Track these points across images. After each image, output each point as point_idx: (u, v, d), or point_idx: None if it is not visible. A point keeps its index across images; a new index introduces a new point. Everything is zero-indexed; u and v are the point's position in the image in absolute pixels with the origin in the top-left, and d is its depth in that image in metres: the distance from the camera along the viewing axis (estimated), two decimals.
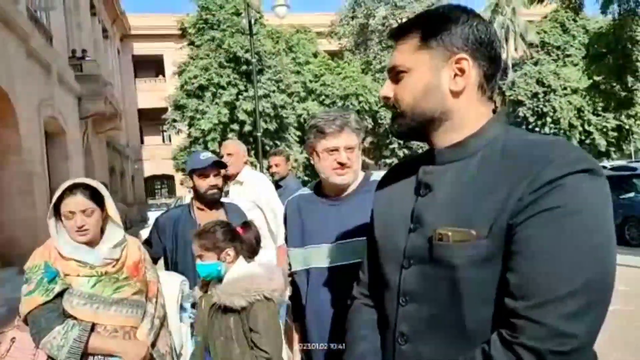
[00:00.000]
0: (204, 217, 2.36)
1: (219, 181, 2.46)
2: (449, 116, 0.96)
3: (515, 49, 29.83)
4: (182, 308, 2.12)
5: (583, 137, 29.67)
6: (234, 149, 3.48)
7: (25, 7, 10.38)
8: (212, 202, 2.47)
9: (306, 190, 1.82)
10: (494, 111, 1.00)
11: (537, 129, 29.26)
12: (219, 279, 1.91)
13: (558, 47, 30.85)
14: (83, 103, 14.55)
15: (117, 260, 1.88)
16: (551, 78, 28.97)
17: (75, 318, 1.78)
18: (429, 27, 0.96)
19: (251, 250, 1.99)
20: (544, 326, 0.79)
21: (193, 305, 2.06)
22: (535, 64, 30.18)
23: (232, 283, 1.84)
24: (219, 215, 2.40)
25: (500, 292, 0.85)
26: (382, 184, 1.17)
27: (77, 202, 1.80)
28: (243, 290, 1.81)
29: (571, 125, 29.11)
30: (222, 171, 2.59)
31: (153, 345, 1.90)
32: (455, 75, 0.94)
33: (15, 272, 8.53)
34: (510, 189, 0.84)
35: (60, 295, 1.78)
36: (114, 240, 1.88)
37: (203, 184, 2.44)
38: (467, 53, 0.94)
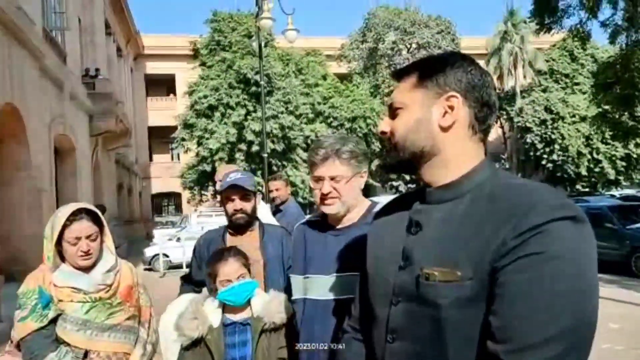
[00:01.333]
0: (234, 242, 2.24)
1: (245, 204, 2.26)
2: (438, 150, 1.00)
3: (524, 76, 30.00)
4: None
5: (592, 165, 29.54)
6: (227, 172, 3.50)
7: (41, 27, 10.65)
8: (238, 227, 2.30)
9: (313, 217, 1.81)
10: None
11: (545, 156, 29.24)
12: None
13: (567, 75, 30.97)
14: (94, 121, 14.76)
15: (110, 285, 1.88)
16: (559, 105, 29.03)
17: (68, 344, 1.78)
18: (425, 69, 1.03)
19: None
20: None
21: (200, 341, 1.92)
22: (544, 91, 30.28)
23: (270, 302, 1.88)
24: (251, 240, 2.28)
25: (483, 334, 0.87)
26: (378, 218, 1.20)
27: (84, 228, 1.82)
28: (281, 307, 1.85)
29: (579, 153, 29.03)
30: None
31: None
32: (445, 112, 0.99)
33: (18, 287, 8.56)
34: (495, 232, 0.86)
35: (54, 321, 1.79)
36: (107, 266, 1.89)
37: (228, 207, 2.28)
38: (459, 93, 0.99)
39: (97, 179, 15.62)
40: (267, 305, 1.86)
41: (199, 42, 23.84)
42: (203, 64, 22.94)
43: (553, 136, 28.86)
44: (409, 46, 28.44)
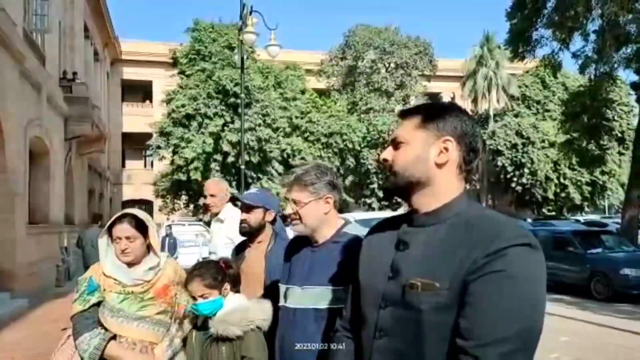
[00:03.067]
0: (248, 249, 2.61)
1: (248, 216, 2.57)
2: (430, 183, 1.20)
3: (498, 100, 30.92)
4: None
5: (558, 190, 30.52)
6: (215, 189, 3.56)
7: (22, 29, 10.54)
8: (245, 235, 2.63)
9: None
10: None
11: (514, 179, 30.05)
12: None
13: (538, 102, 32.07)
14: (70, 124, 14.55)
15: (149, 282, 2.15)
16: (530, 131, 29.99)
17: (104, 327, 2.09)
18: (428, 113, 1.24)
19: (235, 283, 2.18)
20: None
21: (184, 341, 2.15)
22: (516, 116, 31.23)
23: (228, 315, 2.02)
24: (258, 250, 2.56)
25: (453, 333, 1.06)
26: (371, 234, 1.41)
27: (123, 229, 2.12)
28: (238, 320, 2.00)
29: (547, 178, 29.97)
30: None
31: None
32: (441, 152, 1.19)
33: None
34: (468, 253, 1.07)
35: (97, 305, 2.12)
36: (149, 264, 2.16)
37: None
38: (453, 137, 1.20)
39: (69, 184, 15.35)
40: (225, 316, 2.01)
41: (179, 50, 23.79)
42: (182, 72, 22.90)
43: (523, 160, 29.76)
44: (387, 65, 28.99)
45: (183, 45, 23.68)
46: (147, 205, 32.92)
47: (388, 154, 1.26)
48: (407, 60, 28.51)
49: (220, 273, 2.09)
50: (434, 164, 1.19)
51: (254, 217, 2.58)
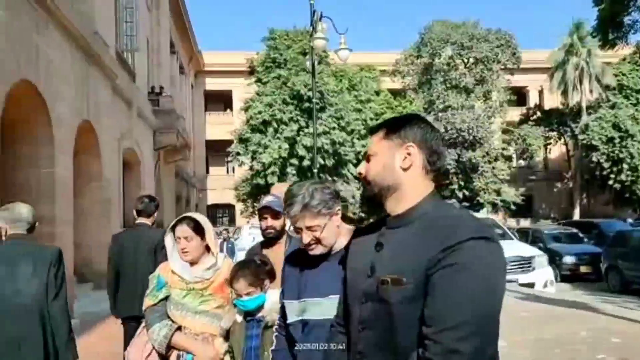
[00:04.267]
0: (266, 252, 2.70)
1: (275, 222, 2.68)
2: (399, 187, 1.34)
3: (590, 91, 28.67)
4: None
5: None
6: (278, 192, 3.74)
7: (114, 50, 11.48)
8: (269, 240, 2.75)
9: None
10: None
11: (612, 175, 27.69)
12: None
13: (638, 91, 29.36)
14: (157, 135, 15.63)
15: (208, 279, 2.39)
16: (629, 123, 27.53)
17: (171, 319, 2.36)
18: (391, 126, 1.40)
19: (272, 278, 2.35)
20: (442, 345, 1.14)
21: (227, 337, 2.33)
22: (612, 107, 28.77)
23: (276, 303, 2.14)
24: (277, 251, 2.68)
25: (421, 323, 1.19)
26: (355, 237, 1.55)
27: (182, 230, 2.36)
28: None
29: None
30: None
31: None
32: (405, 157, 1.34)
33: (90, 287, 9.24)
34: (430, 250, 1.20)
35: (165, 299, 2.39)
36: (207, 264, 2.41)
37: (262, 224, 2.75)
38: (415, 143, 1.34)
39: (159, 191, 16.45)
40: (273, 306, 2.17)
41: (255, 59, 24.61)
42: (259, 80, 23.64)
43: (621, 155, 27.37)
44: (466, 61, 27.91)
45: (259, 54, 24.46)
46: (229, 209, 34.41)
47: (362, 168, 1.42)
48: (488, 54, 27.17)
49: (261, 271, 2.27)
50: (400, 169, 1.34)
51: (279, 223, 2.72)
